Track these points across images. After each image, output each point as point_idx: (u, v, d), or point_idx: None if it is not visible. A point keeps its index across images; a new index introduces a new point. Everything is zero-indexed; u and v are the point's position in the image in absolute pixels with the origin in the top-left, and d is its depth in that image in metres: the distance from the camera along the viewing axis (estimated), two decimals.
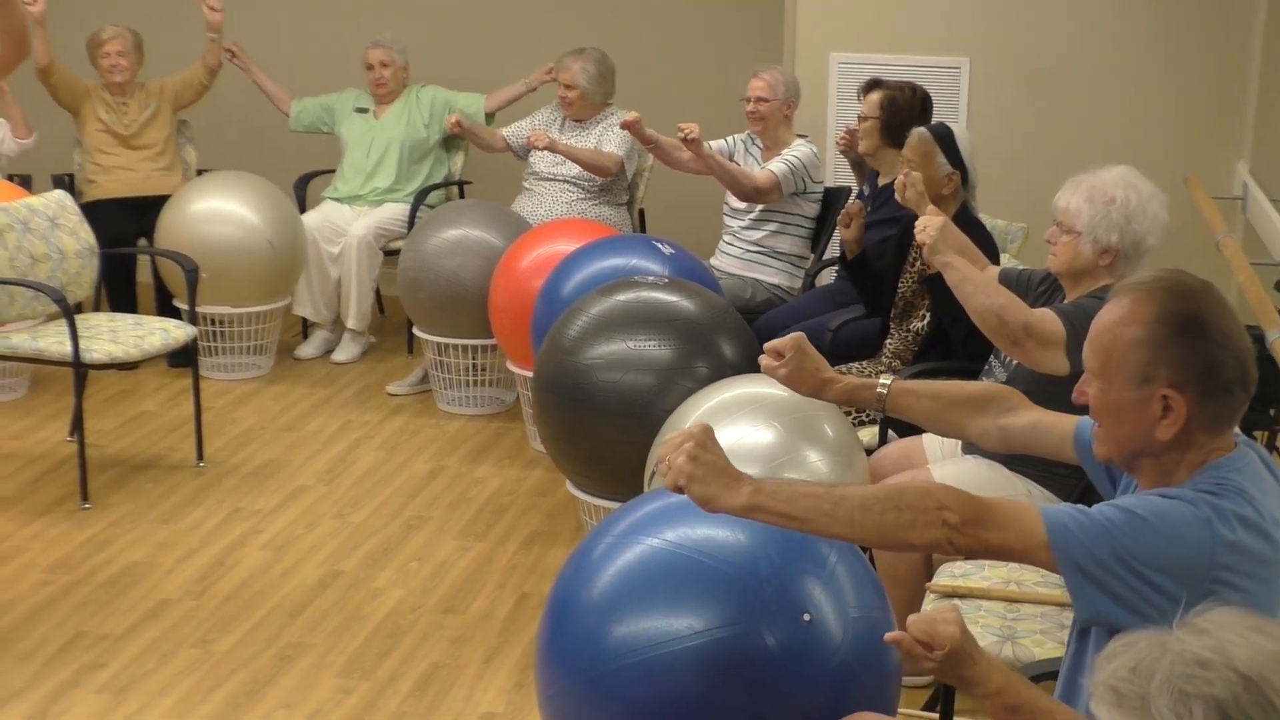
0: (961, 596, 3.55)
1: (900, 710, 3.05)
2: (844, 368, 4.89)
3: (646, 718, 2.78)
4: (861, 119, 5.49)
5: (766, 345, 3.00)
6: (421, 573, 4.86)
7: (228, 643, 4.37)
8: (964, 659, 2.23)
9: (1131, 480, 2.50)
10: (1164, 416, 2.33)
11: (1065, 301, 3.85)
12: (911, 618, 2.25)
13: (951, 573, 3.70)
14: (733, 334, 4.70)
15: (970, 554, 2.37)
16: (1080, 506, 2.37)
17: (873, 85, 5.57)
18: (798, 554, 2.84)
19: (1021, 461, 3.80)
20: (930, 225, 3.89)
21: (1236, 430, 2.43)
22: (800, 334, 2.98)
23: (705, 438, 2.42)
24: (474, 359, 6.28)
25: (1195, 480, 2.35)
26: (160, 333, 5.58)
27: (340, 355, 6.96)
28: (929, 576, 3.78)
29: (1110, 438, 2.43)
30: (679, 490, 2.46)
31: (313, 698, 4.09)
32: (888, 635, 2.28)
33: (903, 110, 5.31)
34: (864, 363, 4.93)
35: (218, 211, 6.56)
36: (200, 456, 5.71)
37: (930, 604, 3.58)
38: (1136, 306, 2.36)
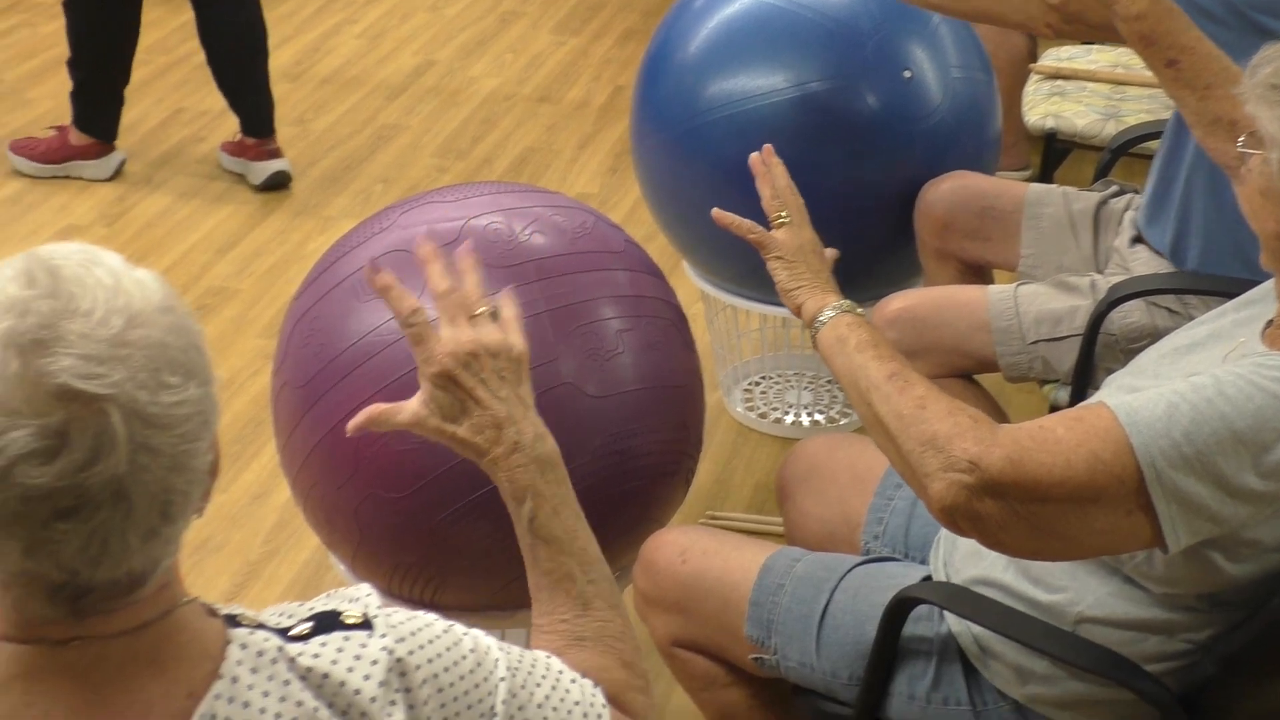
0: (1066, 78, 3.47)
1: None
2: None
3: (736, 172, 2.73)
4: None
5: None
6: (516, 64, 4.81)
7: (325, 121, 4.39)
8: None
9: None
10: None
11: None
12: None
13: (1057, 55, 3.61)
14: None
15: None
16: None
17: None
18: (899, 10, 2.75)
19: None
20: None
21: None
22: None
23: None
24: None
25: None
26: None
27: None
28: (1033, 59, 3.69)
29: None
30: None
31: (409, 174, 4.12)
32: None
33: None
34: None
35: None
36: None
37: (1034, 84, 3.50)
38: None
